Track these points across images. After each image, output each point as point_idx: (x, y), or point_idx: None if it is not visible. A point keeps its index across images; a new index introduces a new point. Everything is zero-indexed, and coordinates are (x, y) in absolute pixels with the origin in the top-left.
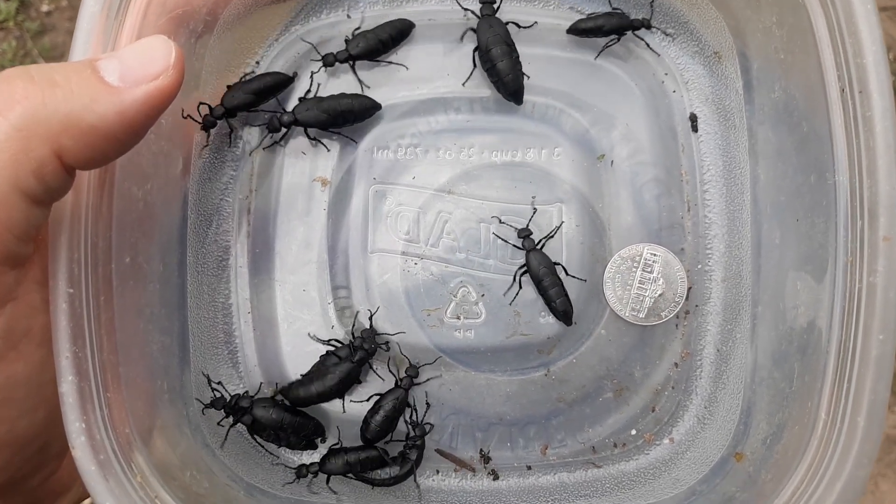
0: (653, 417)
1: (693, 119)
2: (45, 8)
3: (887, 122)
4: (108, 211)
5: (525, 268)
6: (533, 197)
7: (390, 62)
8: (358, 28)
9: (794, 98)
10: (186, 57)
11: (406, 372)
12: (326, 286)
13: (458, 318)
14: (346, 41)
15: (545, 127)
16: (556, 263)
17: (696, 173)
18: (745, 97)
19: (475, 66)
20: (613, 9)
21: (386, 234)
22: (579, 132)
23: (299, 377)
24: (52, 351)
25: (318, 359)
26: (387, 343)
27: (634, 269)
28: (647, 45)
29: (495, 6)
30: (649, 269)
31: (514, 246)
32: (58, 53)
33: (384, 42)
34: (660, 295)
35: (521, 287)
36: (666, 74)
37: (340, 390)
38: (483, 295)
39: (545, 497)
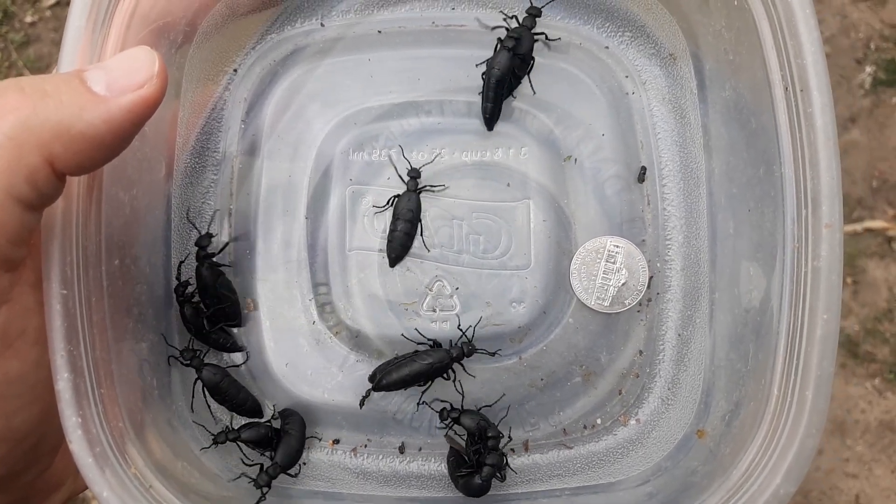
0: (619, 400)
1: (643, 171)
2: (28, 19)
3: (826, 118)
4: (97, 215)
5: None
6: None
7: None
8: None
9: (744, 96)
10: (167, 66)
11: (461, 343)
12: (307, 283)
13: (434, 310)
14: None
15: (512, 128)
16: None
17: (655, 169)
18: (699, 96)
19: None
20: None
21: (363, 233)
22: (544, 132)
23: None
24: (45, 350)
25: (302, 353)
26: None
27: (599, 261)
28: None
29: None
30: (613, 260)
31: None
32: (43, 64)
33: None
34: (623, 284)
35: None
36: (626, 77)
37: (428, 375)
38: (457, 288)
39: (519, 478)
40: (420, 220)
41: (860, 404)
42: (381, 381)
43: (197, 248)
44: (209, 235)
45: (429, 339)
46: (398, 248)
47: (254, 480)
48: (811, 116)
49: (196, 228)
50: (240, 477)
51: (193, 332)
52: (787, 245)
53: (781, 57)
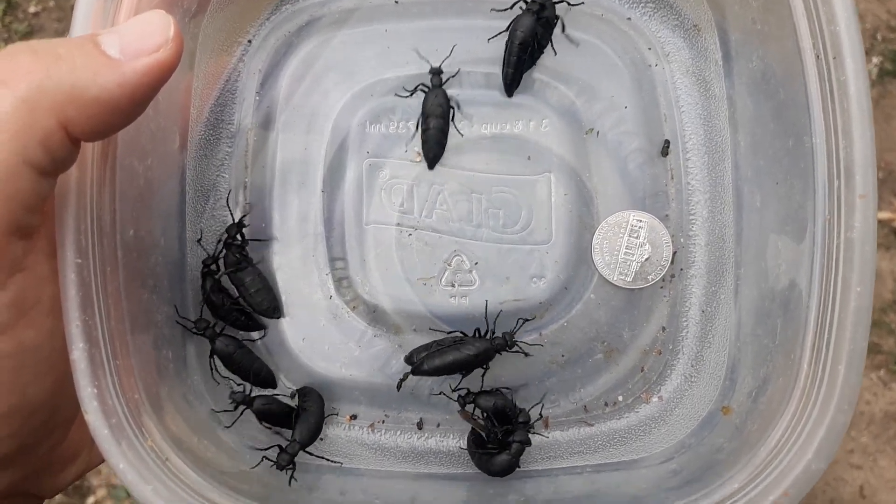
0: (642, 377)
1: (666, 144)
2: (32, 9)
3: (860, 85)
4: (112, 185)
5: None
6: None
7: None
8: None
9: (771, 67)
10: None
11: (503, 333)
12: (323, 258)
13: (453, 285)
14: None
15: (532, 100)
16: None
17: (679, 142)
18: (724, 68)
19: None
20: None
21: (380, 207)
22: (565, 104)
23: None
24: (60, 320)
25: (318, 328)
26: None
27: (621, 235)
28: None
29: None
30: (636, 235)
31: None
32: None
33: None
34: (646, 259)
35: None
36: (649, 49)
37: (470, 365)
38: (476, 263)
39: (540, 455)
40: (451, 116)
41: (865, 395)
42: (422, 365)
43: (226, 236)
44: (241, 224)
45: (461, 331)
46: (434, 146)
47: (275, 462)
48: (844, 84)
49: (231, 215)
50: (260, 463)
51: (213, 311)
52: (817, 217)
53: (813, 25)
